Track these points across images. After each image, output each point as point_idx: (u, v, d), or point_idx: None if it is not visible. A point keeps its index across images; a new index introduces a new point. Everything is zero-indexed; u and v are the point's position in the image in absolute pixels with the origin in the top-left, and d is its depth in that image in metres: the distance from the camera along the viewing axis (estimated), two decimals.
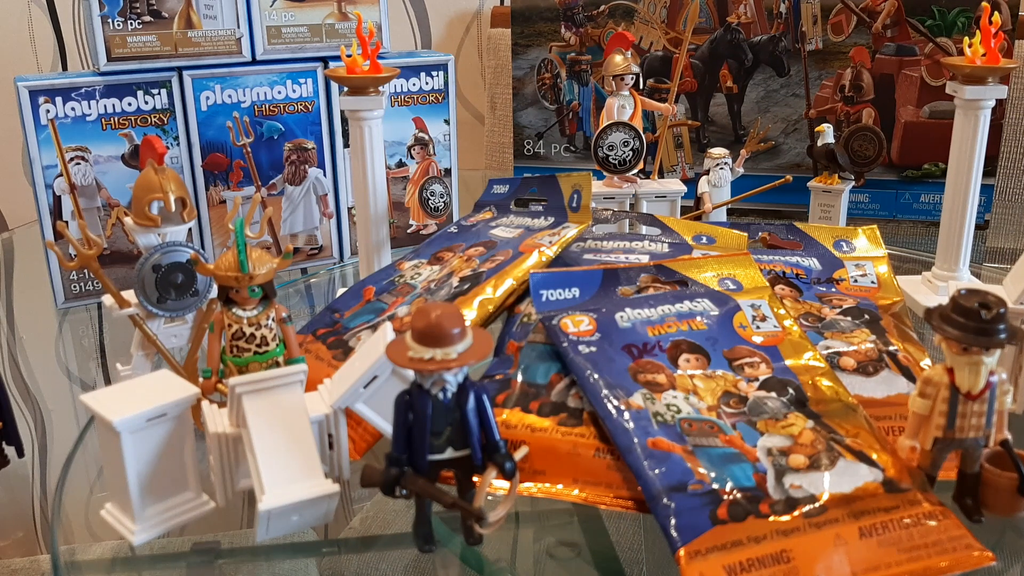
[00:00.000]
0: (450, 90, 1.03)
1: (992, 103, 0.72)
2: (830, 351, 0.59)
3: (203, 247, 0.97)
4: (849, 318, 0.63)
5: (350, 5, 0.98)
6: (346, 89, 0.72)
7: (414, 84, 1.02)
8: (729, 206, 0.91)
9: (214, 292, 0.64)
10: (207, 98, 0.93)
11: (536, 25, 1.14)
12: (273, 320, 0.55)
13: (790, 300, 0.65)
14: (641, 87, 0.90)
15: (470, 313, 0.62)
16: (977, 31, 0.72)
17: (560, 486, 0.51)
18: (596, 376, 0.53)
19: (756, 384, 0.54)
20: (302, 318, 0.76)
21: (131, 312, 0.63)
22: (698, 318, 0.59)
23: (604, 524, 0.54)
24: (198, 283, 0.64)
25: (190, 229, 0.65)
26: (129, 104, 0.90)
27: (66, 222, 0.89)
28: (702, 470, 0.48)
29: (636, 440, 0.49)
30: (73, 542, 0.56)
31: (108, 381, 0.80)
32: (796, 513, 0.46)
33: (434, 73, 1.02)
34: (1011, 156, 1.13)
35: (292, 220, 1.00)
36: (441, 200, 1.06)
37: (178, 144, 0.93)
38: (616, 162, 0.88)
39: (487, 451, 0.47)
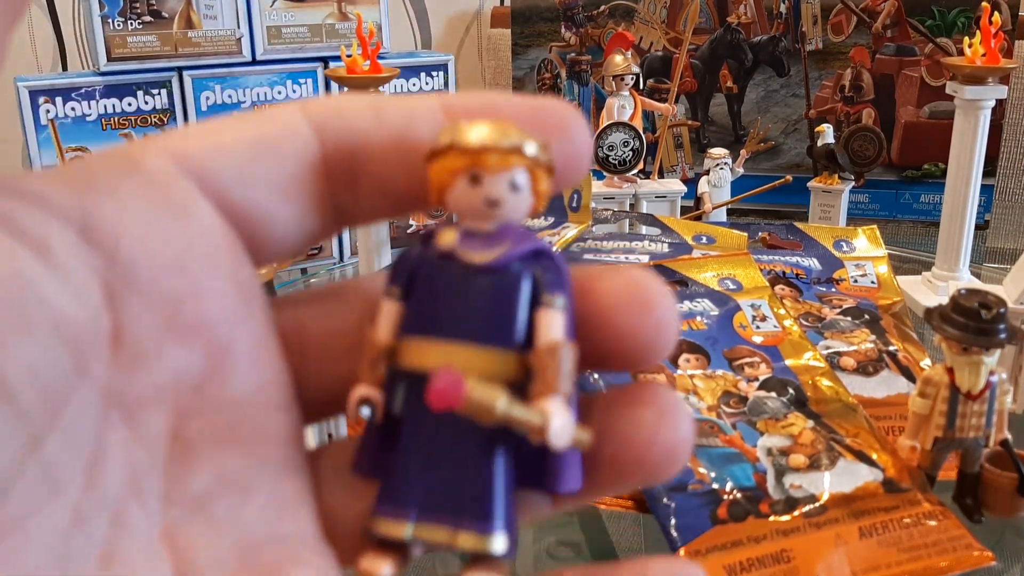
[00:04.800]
0: (450, 90, 1.03)
1: (992, 103, 0.72)
2: (830, 351, 0.59)
3: None
4: (849, 318, 0.63)
5: (350, 5, 0.98)
6: (346, 89, 0.72)
7: (414, 84, 1.02)
8: (729, 206, 0.91)
9: None
10: (207, 98, 0.93)
11: (536, 25, 1.14)
12: None
13: (790, 300, 0.65)
14: (641, 87, 0.90)
15: None
16: (977, 31, 0.72)
17: None
18: (596, 376, 0.53)
19: (756, 384, 0.54)
20: None
21: None
22: (698, 318, 0.59)
23: (604, 524, 0.54)
24: None
25: None
26: (129, 104, 0.90)
27: None
28: (702, 470, 0.48)
29: None
30: None
31: None
32: (796, 513, 0.46)
33: (434, 73, 1.02)
34: (1011, 156, 1.13)
35: None
36: None
37: None
38: (616, 162, 0.88)
39: None
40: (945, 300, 0.47)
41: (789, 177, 0.92)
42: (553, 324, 0.19)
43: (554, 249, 0.66)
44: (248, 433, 0.19)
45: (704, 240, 0.72)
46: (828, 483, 0.47)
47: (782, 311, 0.60)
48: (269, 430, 0.19)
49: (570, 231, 0.70)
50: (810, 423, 0.51)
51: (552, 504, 0.21)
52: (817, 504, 0.46)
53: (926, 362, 0.60)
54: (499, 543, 0.19)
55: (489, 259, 0.19)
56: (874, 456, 0.49)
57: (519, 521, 0.21)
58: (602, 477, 0.20)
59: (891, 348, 0.60)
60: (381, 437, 0.20)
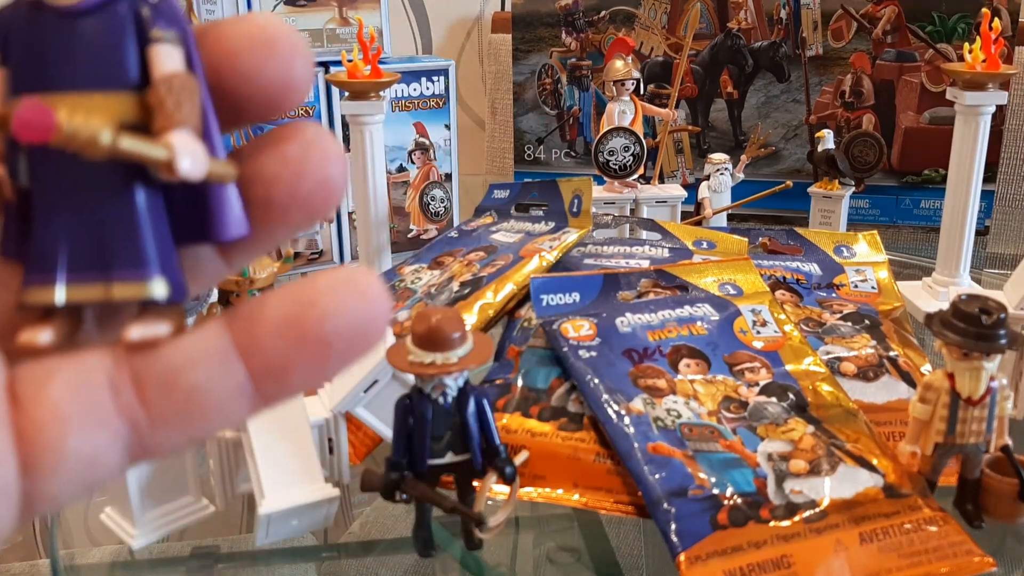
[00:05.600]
0: (451, 95, 1.03)
1: (992, 109, 0.72)
2: (830, 356, 0.59)
3: None
4: (849, 323, 0.63)
5: (351, 10, 0.98)
6: (347, 94, 0.73)
7: (415, 89, 1.02)
8: (729, 211, 0.91)
9: (214, 296, 0.64)
10: None
11: (537, 31, 1.14)
12: None
13: (790, 305, 0.65)
14: (642, 92, 0.90)
15: (470, 317, 0.62)
16: (977, 37, 0.72)
17: (560, 491, 0.51)
18: (596, 381, 0.53)
19: (756, 389, 0.54)
20: None
21: None
22: (698, 323, 0.59)
23: (604, 529, 0.54)
24: None
25: None
26: None
27: None
28: (702, 475, 0.48)
29: (636, 445, 0.49)
30: (72, 547, 0.56)
31: None
32: (797, 518, 0.46)
33: (435, 78, 1.02)
34: (1011, 162, 1.13)
35: None
36: (441, 205, 1.06)
37: None
38: (616, 167, 0.88)
39: (487, 456, 0.47)
40: (945, 305, 0.47)
41: (789, 183, 0.92)
42: (166, 58, 0.18)
43: (554, 254, 0.66)
44: None
45: (704, 245, 0.72)
46: (828, 488, 0.47)
47: (782, 316, 0.60)
48: None
49: (570, 236, 0.70)
50: (810, 428, 0.51)
51: (224, 260, 0.21)
52: (818, 509, 0.46)
53: (926, 367, 0.59)
54: (158, 288, 0.19)
55: (77, 0, 0.18)
56: (875, 461, 0.49)
57: (197, 285, 0.20)
58: (257, 221, 0.19)
59: (891, 353, 0.60)
60: (20, 213, 0.19)
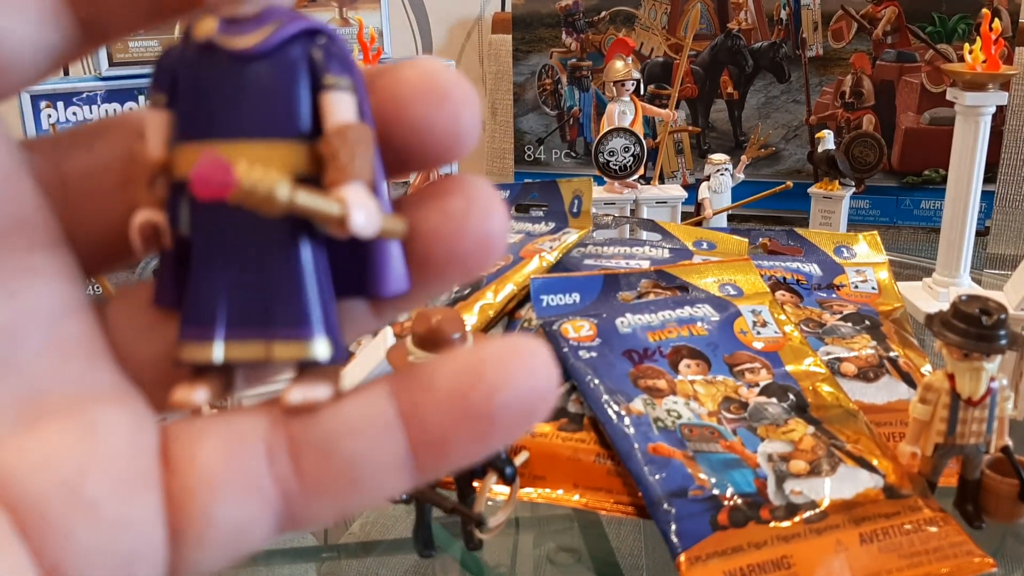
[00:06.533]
0: None
1: (992, 109, 0.72)
2: (831, 357, 0.59)
3: None
4: (850, 324, 0.63)
5: (351, 11, 0.98)
6: None
7: None
8: (730, 212, 0.91)
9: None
10: None
11: (537, 31, 1.14)
12: None
13: (791, 306, 0.65)
14: (642, 93, 0.90)
15: (471, 318, 0.62)
16: (977, 37, 0.72)
17: (560, 491, 0.51)
18: (596, 381, 0.53)
19: (757, 390, 0.54)
20: None
21: None
22: (699, 323, 0.59)
23: (604, 529, 0.54)
24: None
25: None
26: (131, 109, 0.90)
27: None
28: (703, 476, 0.48)
29: (636, 445, 0.49)
30: None
31: None
32: (797, 519, 0.46)
33: None
34: (1011, 162, 1.13)
35: None
36: None
37: None
38: (617, 167, 0.88)
39: (487, 456, 0.46)
40: (946, 306, 0.47)
41: (790, 183, 0.92)
42: (340, 106, 0.17)
43: (554, 254, 0.66)
44: (4, 276, 0.17)
45: (705, 246, 0.72)
46: (829, 489, 0.47)
47: (783, 317, 0.60)
48: (32, 271, 0.17)
49: (571, 236, 0.70)
50: (811, 429, 0.51)
51: (374, 315, 0.20)
52: (818, 510, 0.46)
53: (927, 368, 0.59)
54: (321, 348, 0.18)
55: (252, 43, 0.17)
56: (875, 462, 0.49)
57: (346, 338, 0.19)
58: (415, 276, 0.18)
59: (892, 354, 0.60)
60: (177, 262, 0.18)
